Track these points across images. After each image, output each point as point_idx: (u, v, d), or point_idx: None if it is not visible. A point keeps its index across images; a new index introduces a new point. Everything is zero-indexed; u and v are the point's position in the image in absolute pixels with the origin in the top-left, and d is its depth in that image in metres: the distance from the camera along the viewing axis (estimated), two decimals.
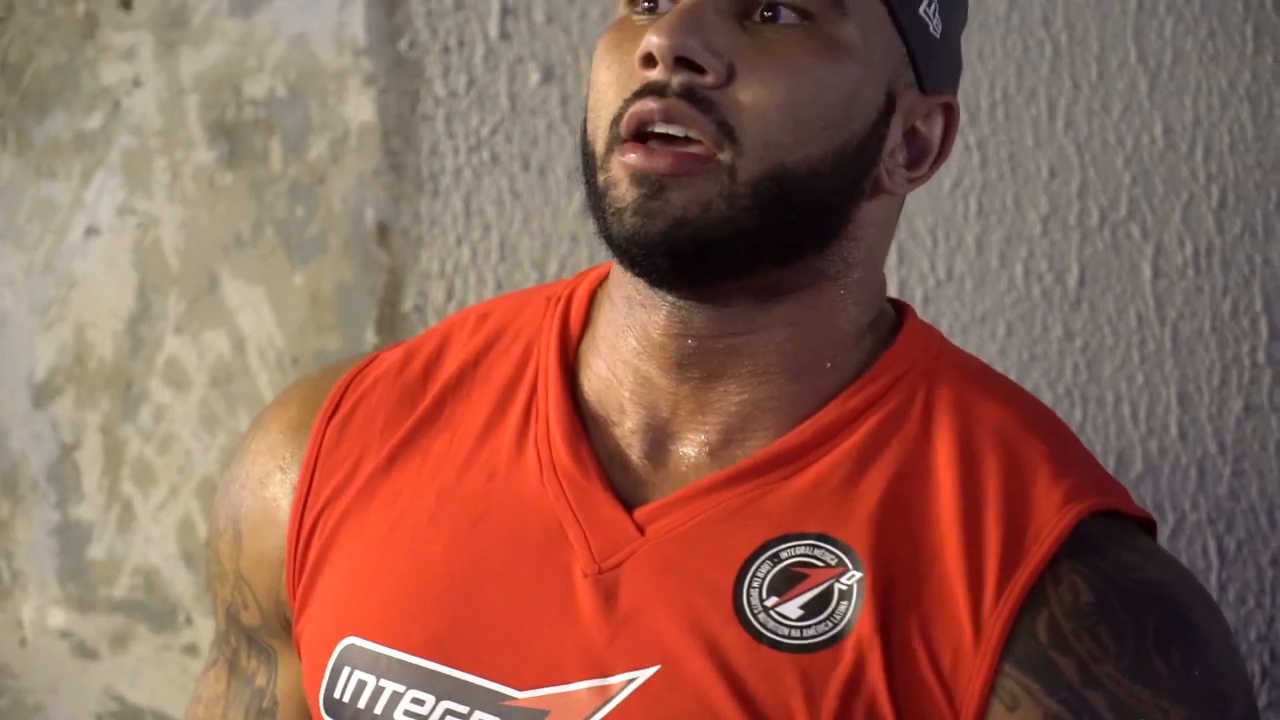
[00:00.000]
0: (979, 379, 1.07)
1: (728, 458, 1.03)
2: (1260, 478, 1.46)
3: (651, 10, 1.01)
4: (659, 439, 1.03)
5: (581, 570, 1.00)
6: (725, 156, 0.97)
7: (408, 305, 1.53)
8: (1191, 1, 1.45)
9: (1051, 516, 0.99)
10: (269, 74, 1.55)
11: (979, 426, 1.04)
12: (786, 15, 0.99)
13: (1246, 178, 1.44)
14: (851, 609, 0.98)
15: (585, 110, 1.03)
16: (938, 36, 1.06)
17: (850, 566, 0.99)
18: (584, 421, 1.04)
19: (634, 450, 1.03)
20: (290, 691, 1.11)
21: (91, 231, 1.51)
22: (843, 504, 1.01)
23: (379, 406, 1.09)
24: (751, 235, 0.99)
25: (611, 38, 1.02)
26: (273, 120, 1.55)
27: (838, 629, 0.98)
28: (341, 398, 1.10)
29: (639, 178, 0.97)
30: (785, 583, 0.99)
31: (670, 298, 1.01)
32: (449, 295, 1.52)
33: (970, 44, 1.46)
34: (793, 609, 0.99)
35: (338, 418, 1.09)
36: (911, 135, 1.05)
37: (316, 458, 1.09)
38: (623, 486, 1.02)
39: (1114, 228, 1.45)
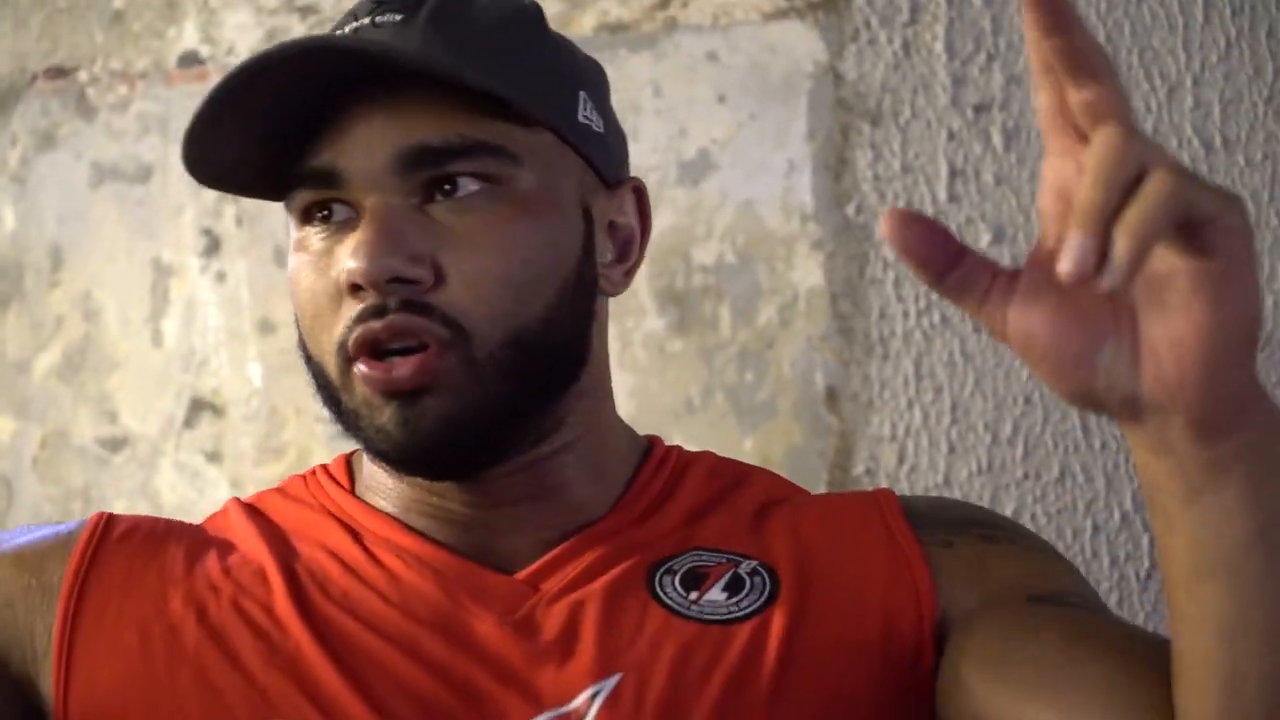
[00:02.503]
0: (724, 458, 1.17)
1: (564, 533, 1.06)
2: None
3: (327, 220, 1.01)
4: (486, 543, 1.05)
5: (495, 622, 1.01)
6: (461, 347, 0.98)
7: (859, 469, 1.56)
8: None
9: (871, 492, 1.14)
10: (717, 241, 1.60)
11: (757, 474, 1.15)
12: (466, 185, 0.98)
13: None
14: (767, 580, 1.04)
15: (298, 324, 1.03)
16: (602, 132, 1.07)
17: (741, 559, 1.05)
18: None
19: (468, 550, 1.05)
20: None
21: None
22: (705, 529, 1.07)
23: (158, 523, 1.08)
24: (512, 399, 1.00)
25: (302, 261, 1.02)
26: (722, 286, 1.60)
27: (767, 593, 1.03)
28: (113, 516, 1.07)
29: (388, 394, 0.98)
30: (694, 581, 1.04)
31: (457, 482, 1.03)
32: (900, 459, 1.56)
33: None
34: (716, 593, 1.03)
35: (120, 520, 1.07)
36: (613, 229, 1.07)
37: (102, 538, 1.05)
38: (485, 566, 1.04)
39: None
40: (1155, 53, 1.53)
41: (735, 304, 1.60)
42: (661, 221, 1.60)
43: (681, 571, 1.05)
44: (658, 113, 1.63)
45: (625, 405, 1.54)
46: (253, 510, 1.11)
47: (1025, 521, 1.51)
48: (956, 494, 1.54)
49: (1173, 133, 1.51)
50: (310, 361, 1.04)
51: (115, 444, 1.75)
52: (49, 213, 1.79)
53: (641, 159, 1.59)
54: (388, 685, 1.00)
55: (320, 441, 1.63)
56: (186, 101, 1.56)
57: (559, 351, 1.04)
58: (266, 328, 1.66)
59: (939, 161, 1.58)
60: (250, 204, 1.54)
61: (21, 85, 1.79)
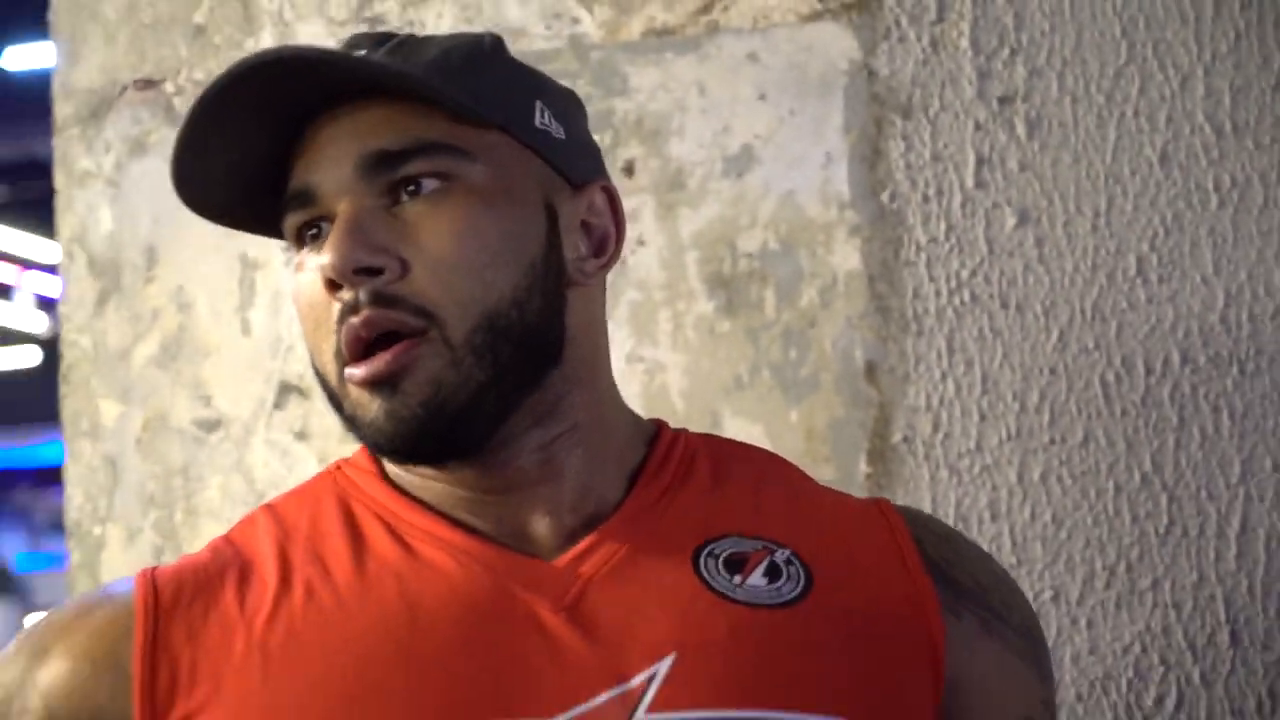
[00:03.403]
0: (724, 439, 1.21)
1: (581, 517, 1.07)
2: None
3: (316, 238, 1.05)
4: (513, 527, 1.07)
5: (549, 608, 1.02)
6: (434, 333, 1.01)
7: (897, 438, 1.61)
8: None
9: (872, 501, 1.17)
10: (761, 229, 1.65)
11: (757, 457, 1.18)
12: (427, 184, 1.03)
13: None
14: (801, 570, 1.06)
15: (306, 342, 1.07)
16: (563, 138, 1.09)
17: (775, 547, 1.07)
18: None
19: (506, 538, 1.06)
20: None
21: None
22: (731, 513, 1.09)
23: (202, 569, 1.07)
24: (492, 384, 1.03)
25: (299, 280, 1.06)
26: (766, 271, 1.65)
27: (803, 583, 1.06)
28: (157, 575, 1.07)
29: (371, 388, 1.01)
30: (736, 566, 1.06)
31: (453, 466, 1.05)
32: (935, 428, 1.60)
33: None
34: (758, 579, 1.05)
35: (170, 580, 1.07)
36: (586, 228, 1.10)
37: (155, 608, 1.05)
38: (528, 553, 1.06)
39: None
40: (1169, 44, 1.57)
41: (779, 287, 1.65)
42: (708, 212, 1.66)
43: (723, 556, 1.07)
44: (703, 111, 1.67)
45: (679, 383, 1.64)
46: (280, 520, 1.11)
47: (1052, 484, 1.57)
48: (988, 460, 1.58)
49: (1185, 120, 1.56)
50: (318, 375, 1.07)
51: (210, 425, 1.79)
52: (143, 214, 1.82)
53: (688, 154, 1.66)
54: (455, 680, 1.01)
55: None
56: None
57: (533, 334, 1.05)
58: None
59: (966, 150, 1.61)
60: None
61: (112, 97, 1.82)
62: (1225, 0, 1.56)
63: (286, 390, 1.77)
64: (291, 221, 1.06)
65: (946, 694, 1.09)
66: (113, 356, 1.83)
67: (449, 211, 1.03)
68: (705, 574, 1.05)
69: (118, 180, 1.83)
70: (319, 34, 1.71)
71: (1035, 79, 1.61)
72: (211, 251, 1.79)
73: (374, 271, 1.01)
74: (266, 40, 1.77)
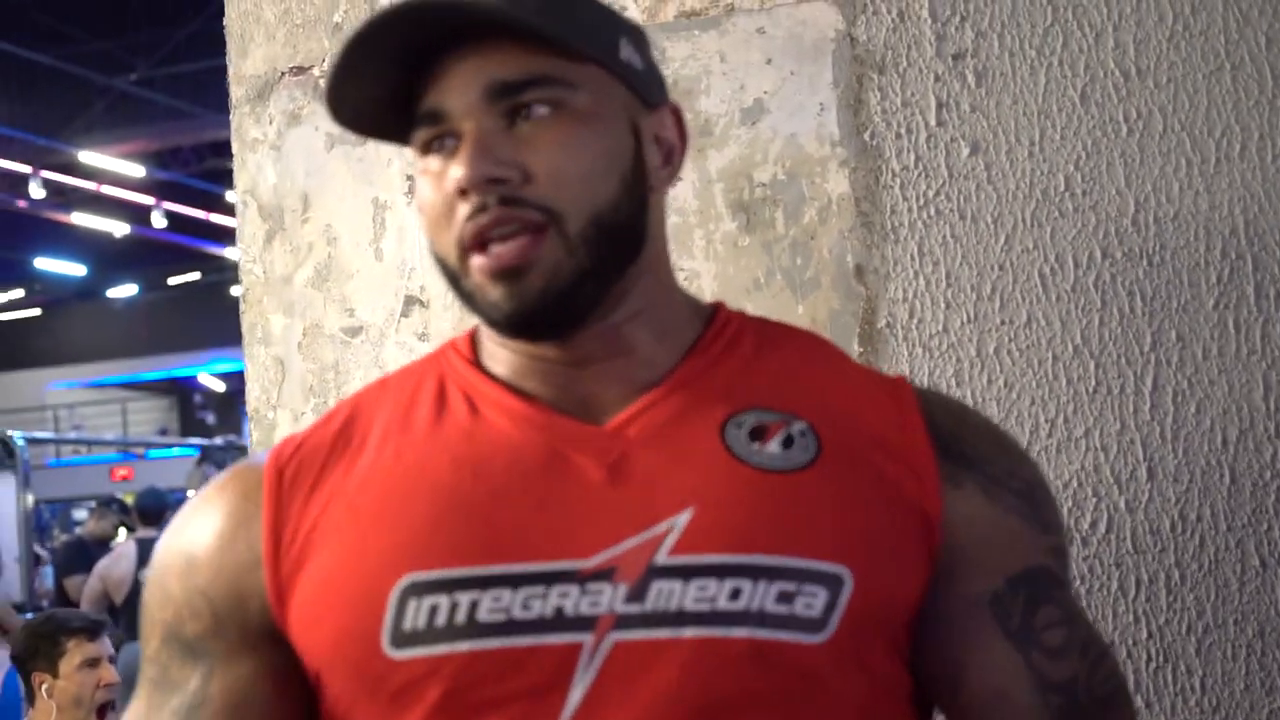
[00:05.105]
0: (773, 322, 1.22)
1: (640, 385, 1.11)
2: None
3: (440, 149, 1.09)
4: (579, 395, 1.11)
5: (594, 467, 1.05)
6: (553, 228, 1.05)
7: (881, 324, 1.73)
8: None
9: (893, 380, 1.17)
10: (771, 164, 1.77)
11: (800, 338, 1.20)
12: (538, 109, 1.07)
13: None
14: (813, 440, 1.08)
15: (425, 229, 1.11)
16: (641, 68, 1.14)
17: (793, 420, 1.09)
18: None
19: (566, 404, 1.11)
20: (224, 689, 1.09)
21: None
22: (763, 387, 1.11)
23: (318, 447, 1.12)
24: (593, 272, 1.07)
25: (424, 182, 1.09)
26: (776, 197, 1.76)
27: (812, 452, 1.08)
28: (283, 455, 1.13)
29: (497, 274, 1.05)
30: (757, 435, 1.07)
31: (546, 343, 1.11)
32: (911, 315, 1.72)
33: None
34: (775, 446, 1.07)
35: (290, 461, 1.12)
36: (659, 141, 1.15)
37: (279, 488, 1.10)
38: (581, 419, 1.10)
39: None
40: (1084, 7, 1.69)
41: (786, 209, 1.76)
42: (730, 152, 1.78)
43: (747, 425, 1.08)
44: (724, 74, 1.79)
45: (710, 286, 1.76)
46: (387, 392, 1.16)
47: (1003, 357, 1.67)
48: (952, 339, 1.68)
49: (1100, 66, 1.69)
50: (436, 256, 1.11)
51: (354, 331, 1.93)
52: (298, 169, 1.97)
53: (713, 108, 1.79)
54: (502, 525, 1.04)
55: None
56: None
57: (624, 232, 1.10)
58: None
59: (929, 97, 1.74)
60: None
61: (274, 80, 1.99)
62: None
63: (411, 302, 1.90)
64: (422, 135, 1.10)
65: (947, 555, 1.09)
66: (278, 280, 1.98)
67: (560, 131, 1.07)
68: (729, 440, 1.08)
69: (279, 144, 1.99)
70: None
71: (981, 39, 1.72)
72: (350, 197, 1.94)
73: (499, 181, 1.05)
74: None
